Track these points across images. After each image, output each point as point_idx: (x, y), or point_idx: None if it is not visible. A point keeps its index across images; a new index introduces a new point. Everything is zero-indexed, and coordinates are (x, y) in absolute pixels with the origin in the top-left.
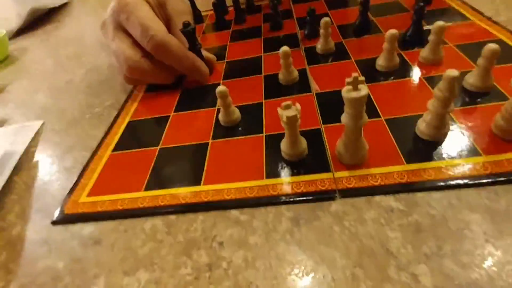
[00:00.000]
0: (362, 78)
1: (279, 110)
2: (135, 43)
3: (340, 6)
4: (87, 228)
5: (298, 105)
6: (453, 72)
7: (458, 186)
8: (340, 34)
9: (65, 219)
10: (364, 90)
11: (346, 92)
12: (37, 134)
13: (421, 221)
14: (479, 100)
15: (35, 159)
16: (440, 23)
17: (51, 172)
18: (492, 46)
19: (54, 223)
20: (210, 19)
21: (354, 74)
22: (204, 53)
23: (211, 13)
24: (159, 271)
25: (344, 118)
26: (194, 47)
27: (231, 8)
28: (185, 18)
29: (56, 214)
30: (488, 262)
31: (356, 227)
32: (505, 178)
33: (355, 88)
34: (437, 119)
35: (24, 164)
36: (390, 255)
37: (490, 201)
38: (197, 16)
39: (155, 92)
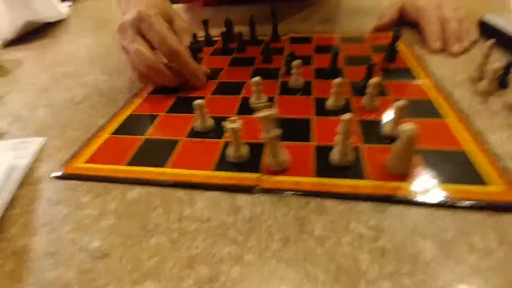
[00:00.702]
0: (268, 103)
1: (225, 123)
2: (152, 47)
3: (324, 52)
4: (95, 243)
5: (239, 121)
6: (346, 116)
7: (353, 198)
8: (314, 74)
9: (65, 177)
10: (267, 112)
11: (257, 113)
12: (40, 150)
13: (386, 246)
14: (390, 142)
15: (38, 175)
16: (375, 79)
17: (56, 188)
18: (400, 103)
19: (56, 178)
20: (219, 44)
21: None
22: (202, 66)
23: (220, 38)
24: (165, 282)
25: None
26: (196, 60)
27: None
28: (186, 35)
29: (58, 172)
30: (436, 280)
31: (335, 249)
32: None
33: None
34: (341, 150)
35: (27, 179)
36: (361, 273)
37: (439, 231)
38: (208, 40)
39: (156, 95)
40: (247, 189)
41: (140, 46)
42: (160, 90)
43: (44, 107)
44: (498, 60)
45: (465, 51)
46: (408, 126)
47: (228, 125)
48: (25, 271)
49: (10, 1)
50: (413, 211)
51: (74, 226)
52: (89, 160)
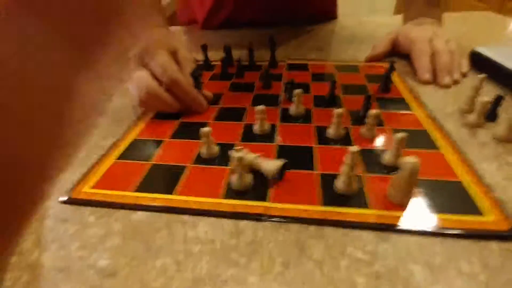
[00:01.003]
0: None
1: (232, 152)
2: (153, 76)
3: (321, 80)
4: (102, 262)
5: (245, 150)
6: (355, 148)
7: (352, 226)
8: (313, 102)
9: (72, 202)
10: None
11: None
12: None
13: (380, 270)
14: (390, 172)
15: None
16: (374, 111)
17: (61, 206)
18: (400, 135)
19: (64, 202)
20: (218, 69)
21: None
22: (205, 91)
23: (220, 63)
24: None
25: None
26: (198, 86)
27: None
28: (190, 65)
29: (64, 196)
30: None
31: (333, 272)
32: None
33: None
34: (346, 179)
35: None
36: None
37: (429, 257)
38: (208, 64)
39: (159, 120)
40: (255, 218)
41: (143, 74)
42: (163, 115)
43: None
44: (488, 93)
45: (455, 83)
46: (410, 159)
47: (234, 154)
48: (39, 284)
49: None
50: (411, 238)
51: (82, 244)
52: (96, 186)
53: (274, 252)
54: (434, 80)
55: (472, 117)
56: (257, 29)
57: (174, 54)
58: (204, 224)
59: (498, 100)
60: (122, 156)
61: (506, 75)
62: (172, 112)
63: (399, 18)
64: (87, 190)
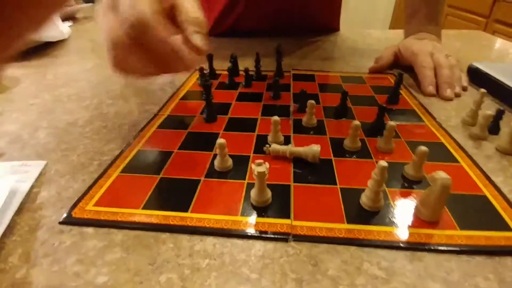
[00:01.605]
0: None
1: (252, 165)
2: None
3: (328, 90)
4: (101, 278)
5: (267, 164)
6: (383, 163)
7: (380, 246)
8: (324, 113)
9: (72, 222)
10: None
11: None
12: (40, 174)
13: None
14: (412, 186)
15: (38, 201)
16: (391, 123)
17: (58, 217)
18: (423, 148)
19: (62, 223)
20: (223, 78)
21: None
22: (195, 37)
23: (225, 73)
24: None
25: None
26: (209, 96)
27: (241, 72)
28: (196, 23)
29: (64, 216)
30: None
31: None
32: (409, 246)
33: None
34: (373, 195)
35: (26, 205)
36: None
37: (447, 274)
38: (213, 73)
39: (165, 130)
40: (282, 239)
41: (109, 18)
42: (169, 124)
43: (45, 128)
44: (486, 106)
45: (456, 96)
46: (441, 175)
47: (257, 169)
48: None
49: None
50: (432, 255)
51: (79, 259)
52: (99, 203)
53: (286, 267)
54: (436, 93)
55: (475, 130)
56: (261, 38)
57: (171, 9)
58: (212, 237)
59: (499, 114)
60: (126, 169)
61: (503, 90)
62: (154, 76)
63: (396, 32)
64: (90, 208)
